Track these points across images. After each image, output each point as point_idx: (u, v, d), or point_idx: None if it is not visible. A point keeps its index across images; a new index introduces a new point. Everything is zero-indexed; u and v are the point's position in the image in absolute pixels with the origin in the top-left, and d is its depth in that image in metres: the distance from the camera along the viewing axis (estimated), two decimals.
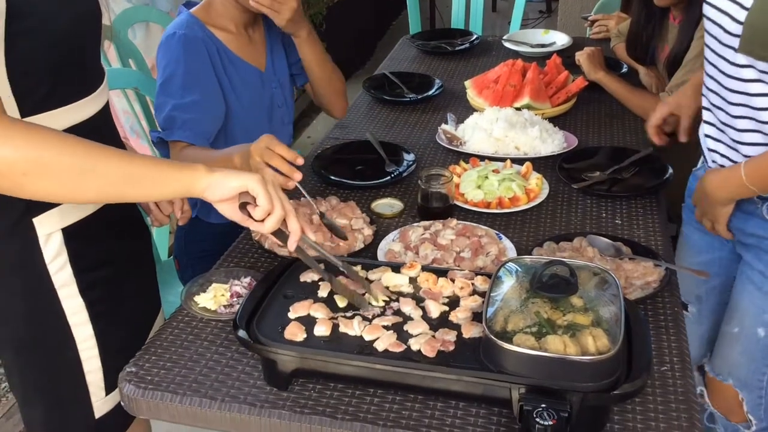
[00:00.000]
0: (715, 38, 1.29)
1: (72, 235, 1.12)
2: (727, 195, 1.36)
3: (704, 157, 1.46)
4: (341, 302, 1.14)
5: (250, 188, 1.03)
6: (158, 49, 1.63)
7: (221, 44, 1.66)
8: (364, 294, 1.15)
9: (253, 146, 1.36)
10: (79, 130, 1.05)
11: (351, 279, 1.18)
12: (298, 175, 1.34)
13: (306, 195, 1.39)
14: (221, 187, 1.02)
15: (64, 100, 1.07)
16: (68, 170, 0.94)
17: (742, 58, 1.23)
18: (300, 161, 1.35)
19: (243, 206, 1.06)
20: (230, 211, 1.06)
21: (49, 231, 1.10)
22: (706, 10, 1.29)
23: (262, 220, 1.05)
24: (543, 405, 0.94)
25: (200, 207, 1.79)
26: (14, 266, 1.11)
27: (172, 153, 1.57)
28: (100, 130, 1.12)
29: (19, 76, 1.00)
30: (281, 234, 1.10)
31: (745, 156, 1.32)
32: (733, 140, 1.34)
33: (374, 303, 1.14)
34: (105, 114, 1.17)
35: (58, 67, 1.04)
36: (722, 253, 1.49)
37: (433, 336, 1.06)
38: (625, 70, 2.25)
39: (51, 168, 0.93)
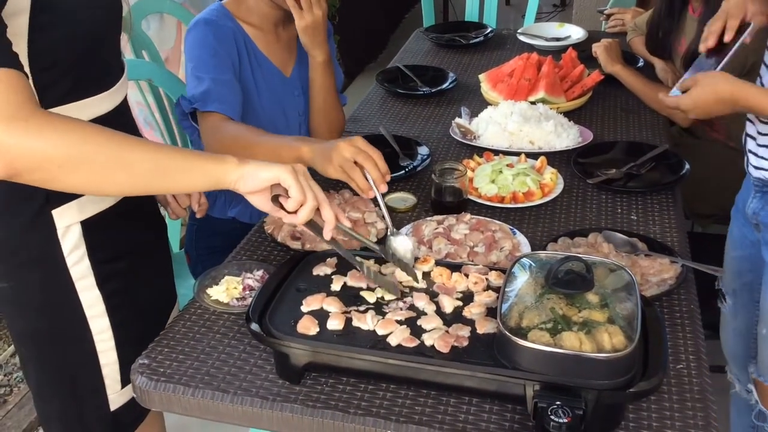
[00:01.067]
0: None
1: (90, 227, 1.12)
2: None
3: (746, 157, 1.46)
4: (375, 295, 1.13)
5: (282, 179, 1.02)
6: (187, 33, 1.62)
7: (249, 39, 1.65)
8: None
9: (345, 142, 1.32)
10: (98, 123, 1.04)
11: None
12: (384, 186, 1.32)
13: (384, 209, 1.31)
14: (253, 178, 1.02)
15: (84, 94, 1.07)
16: (103, 163, 0.94)
17: None
18: (388, 178, 1.33)
19: (275, 198, 1.06)
20: (262, 203, 1.06)
21: (67, 223, 1.10)
22: None
23: (295, 212, 1.05)
24: (558, 402, 0.93)
25: (212, 204, 1.79)
26: (33, 258, 1.11)
27: (205, 125, 1.54)
28: (118, 124, 1.10)
29: (41, 70, 1.00)
30: (315, 226, 1.09)
31: None
32: None
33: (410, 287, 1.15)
34: (124, 108, 1.17)
35: (79, 60, 1.04)
36: (753, 250, 1.48)
37: (447, 331, 1.05)
38: (641, 64, 2.22)
39: (86, 160, 0.93)
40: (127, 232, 1.19)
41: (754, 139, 1.42)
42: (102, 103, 1.10)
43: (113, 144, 0.95)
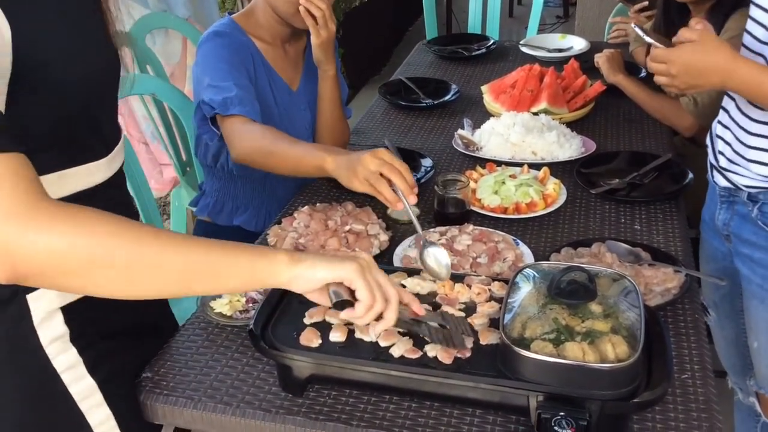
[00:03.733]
0: (757, 39, 1.26)
1: (74, 312, 0.96)
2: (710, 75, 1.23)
3: (711, 155, 1.44)
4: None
5: (346, 280, 0.90)
6: (199, 46, 1.64)
7: (258, 52, 1.67)
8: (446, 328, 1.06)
9: (370, 154, 1.27)
10: (88, 196, 0.95)
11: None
12: (414, 198, 1.27)
13: (415, 221, 1.26)
14: (308, 281, 0.90)
15: (75, 161, 0.94)
16: (127, 265, 0.80)
17: None
18: (416, 190, 1.29)
19: (339, 303, 0.93)
20: (317, 298, 0.95)
21: (47, 310, 0.94)
22: (753, 11, 1.26)
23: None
24: (561, 413, 0.92)
25: (211, 208, 1.79)
26: (3, 353, 0.94)
27: (227, 129, 1.53)
28: (112, 196, 1.01)
29: (23, 134, 0.82)
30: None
31: (752, 161, 1.30)
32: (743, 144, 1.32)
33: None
34: (119, 179, 1.04)
35: (67, 127, 0.91)
36: (726, 262, 1.47)
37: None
38: (643, 74, 2.22)
39: (107, 262, 0.79)
40: (118, 308, 0.93)
41: (722, 138, 1.38)
42: (93, 173, 0.97)
43: (140, 241, 0.80)
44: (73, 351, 0.96)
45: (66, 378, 0.96)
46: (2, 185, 0.75)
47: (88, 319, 0.97)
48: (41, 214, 0.76)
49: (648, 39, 1.33)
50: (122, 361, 1.06)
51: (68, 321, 0.96)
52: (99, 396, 0.99)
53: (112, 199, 1.01)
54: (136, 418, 1.07)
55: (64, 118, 0.91)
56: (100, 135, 0.98)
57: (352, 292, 0.92)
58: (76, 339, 0.97)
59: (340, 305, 0.92)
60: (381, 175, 1.28)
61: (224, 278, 0.87)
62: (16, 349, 0.94)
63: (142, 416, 1.09)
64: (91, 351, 0.98)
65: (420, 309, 1.00)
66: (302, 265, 0.89)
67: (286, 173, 1.50)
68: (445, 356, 1.02)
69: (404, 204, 1.27)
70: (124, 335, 1.06)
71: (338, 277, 0.90)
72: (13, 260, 0.76)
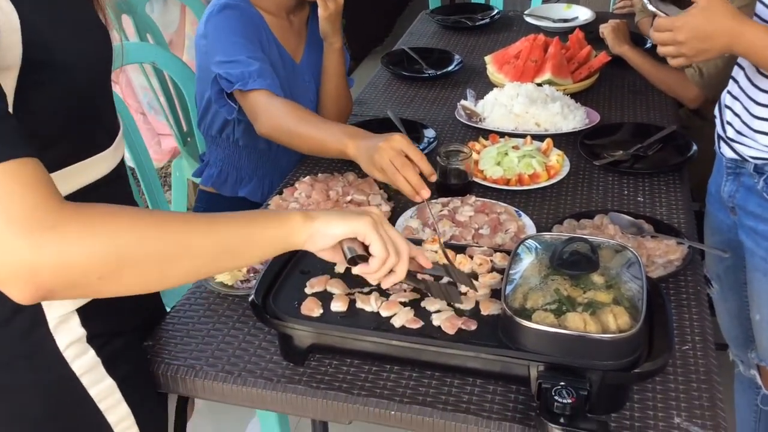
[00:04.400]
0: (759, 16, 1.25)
1: (90, 311, 0.94)
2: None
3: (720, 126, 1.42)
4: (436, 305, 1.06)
5: (360, 234, 0.90)
6: (208, 18, 1.60)
7: (264, 23, 1.65)
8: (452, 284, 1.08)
9: (385, 143, 1.26)
10: (95, 189, 0.93)
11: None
12: (426, 192, 1.25)
13: (432, 215, 1.28)
14: (324, 237, 0.89)
15: (80, 156, 0.92)
16: (155, 260, 0.77)
17: None
18: (433, 178, 1.28)
19: (353, 259, 0.93)
20: (330, 256, 0.94)
21: (62, 313, 0.92)
22: None
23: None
24: (562, 383, 0.92)
25: (215, 179, 1.79)
26: (19, 365, 0.92)
27: (250, 104, 1.51)
28: (116, 188, 0.99)
29: (32, 133, 0.80)
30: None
31: (759, 131, 1.28)
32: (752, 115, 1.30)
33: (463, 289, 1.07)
34: (122, 170, 1.02)
35: (74, 120, 0.89)
36: (730, 234, 1.46)
37: (455, 313, 1.05)
38: (649, 45, 2.19)
39: (133, 263, 0.76)
40: (127, 303, 0.90)
41: (731, 109, 1.35)
42: (98, 165, 0.94)
43: (165, 234, 0.78)
44: (92, 352, 0.95)
45: (85, 380, 0.95)
46: (19, 195, 0.70)
47: (102, 317, 0.96)
48: (66, 221, 0.72)
49: (651, 8, 1.31)
50: (137, 356, 1.06)
51: (84, 322, 0.94)
52: (118, 394, 0.98)
53: (117, 189, 1.00)
54: (152, 411, 1.07)
55: (69, 110, 0.88)
56: (101, 125, 0.96)
57: (365, 248, 0.92)
58: (92, 339, 0.95)
59: (354, 261, 0.92)
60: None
61: (248, 252, 0.86)
62: (34, 357, 0.92)
63: (157, 408, 1.09)
64: (108, 349, 0.97)
65: (427, 261, 1.00)
66: (317, 222, 0.89)
67: (308, 153, 1.52)
68: (448, 326, 1.02)
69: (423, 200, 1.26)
70: (133, 331, 1.06)
71: (353, 231, 0.90)
72: (42, 279, 0.71)
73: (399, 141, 1.27)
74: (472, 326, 1.02)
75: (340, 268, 1.15)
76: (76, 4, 0.90)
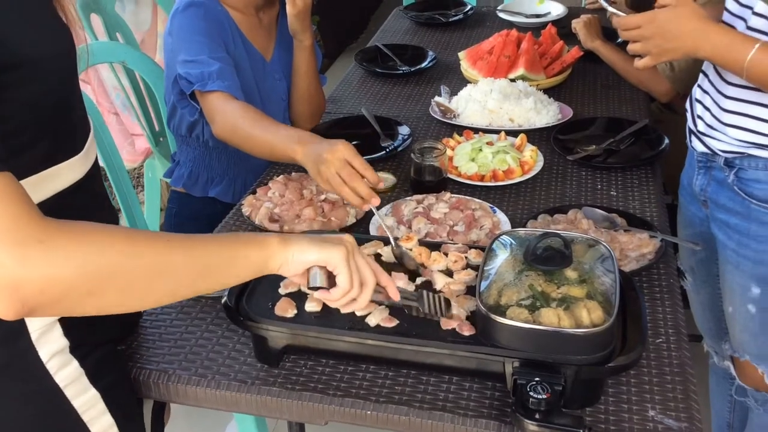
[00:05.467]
0: (738, 2, 1.25)
1: (73, 321, 0.91)
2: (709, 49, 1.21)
3: (690, 119, 1.43)
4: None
5: (331, 265, 0.90)
6: (173, 15, 1.58)
7: (233, 22, 1.63)
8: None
9: (329, 154, 1.24)
10: (69, 195, 0.91)
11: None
12: (375, 200, 1.25)
13: (383, 223, 1.26)
14: (297, 264, 0.89)
15: (51, 162, 0.88)
16: (138, 278, 0.77)
17: (758, 21, 1.20)
18: (381, 185, 1.26)
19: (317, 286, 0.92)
20: (301, 280, 0.94)
21: (44, 323, 0.90)
22: None
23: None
24: (537, 378, 0.92)
25: (186, 179, 1.76)
26: (1, 371, 0.89)
27: (207, 106, 1.49)
28: (89, 193, 0.96)
29: (6, 137, 0.79)
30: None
31: (729, 125, 1.30)
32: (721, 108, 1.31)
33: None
34: (96, 171, 0.99)
35: (41, 125, 0.86)
36: (702, 228, 1.48)
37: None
38: (621, 39, 2.20)
39: (119, 280, 0.75)
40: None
41: (701, 103, 1.37)
42: (70, 171, 0.91)
43: (147, 252, 0.77)
44: (75, 363, 0.93)
45: (69, 392, 0.92)
46: (1, 209, 0.69)
47: (85, 327, 0.92)
48: (49, 235, 0.71)
49: (609, 8, 1.33)
50: (119, 366, 1.04)
51: (67, 332, 0.92)
52: (102, 405, 0.96)
53: (91, 194, 0.97)
54: (134, 420, 1.05)
55: (36, 114, 0.85)
56: (72, 128, 0.93)
57: (331, 274, 0.92)
58: (75, 349, 0.93)
59: (315, 288, 0.92)
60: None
61: (228, 272, 0.86)
62: (16, 369, 0.90)
63: (139, 417, 1.07)
64: (91, 360, 0.95)
65: (395, 294, 0.98)
66: (292, 249, 0.88)
67: (261, 158, 1.49)
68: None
69: (373, 209, 1.26)
70: (116, 340, 1.05)
71: (325, 260, 0.90)
72: (26, 294, 0.70)
73: (343, 151, 1.25)
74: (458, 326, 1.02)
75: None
76: (34, 4, 0.88)
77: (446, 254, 1.18)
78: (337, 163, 1.24)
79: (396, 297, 0.98)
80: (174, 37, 1.57)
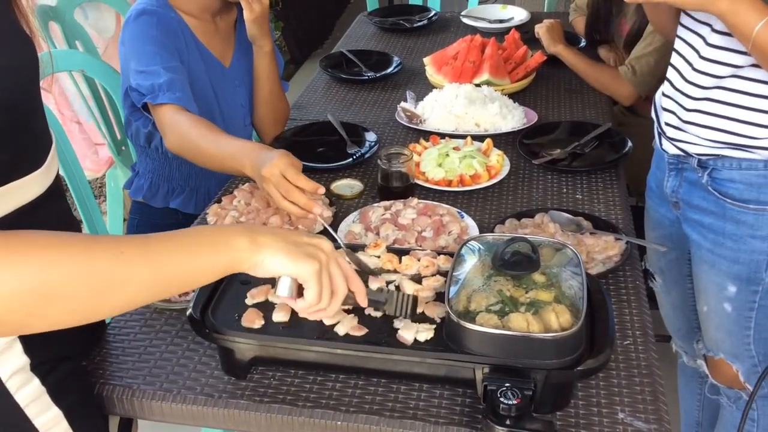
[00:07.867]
0: (690, 16, 1.27)
1: (34, 337, 0.87)
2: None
3: (656, 121, 1.44)
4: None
5: (302, 279, 0.87)
6: (125, 24, 1.55)
7: (188, 28, 1.60)
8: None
9: (267, 171, 1.23)
10: (29, 211, 0.86)
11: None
12: (318, 209, 1.24)
13: (330, 229, 1.27)
14: (267, 271, 0.85)
15: (11, 177, 0.84)
16: (86, 294, 0.72)
17: (716, 38, 1.21)
18: (321, 191, 1.25)
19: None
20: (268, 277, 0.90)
21: (4, 341, 0.86)
22: None
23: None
24: (507, 384, 0.92)
25: (146, 191, 1.73)
26: None
27: (159, 119, 1.46)
28: (51, 207, 0.92)
29: None
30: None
31: (700, 125, 1.31)
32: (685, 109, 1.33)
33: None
34: (57, 185, 0.95)
35: (4, 135, 0.81)
36: (673, 229, 1.49)
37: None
38: (583, 44, 2.24)
39: (62, 297, 0.70)
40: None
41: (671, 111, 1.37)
42: (32, 186, 0.86)
43: (102, 262, 0.72)
44: (36, 381, 0.89)
45: (30, 411, 0.89)
46: None
47: (46, 344, 0.89)
48: None
49: None
50: (82, 383, 1.01)
51: (27, 349, 0.88)
52: (65, 424, 0.92)
53: (53, 208, 0.93)
54: None
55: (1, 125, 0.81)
56: (33, 141, 0.89)
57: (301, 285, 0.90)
58: (36, 367, 0.89)
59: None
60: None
61: (193, 277, 0.81)
62: None
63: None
64: (53, 377, 0.91)
65: (363, 301, 0.97)
66: (263, 253, 0.84)
67: (213, 170, 1.45)
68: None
69: (317, 216, 1.26)
70: (79, 356, 1.02)
71: (296, 274, 0.86)
72: None
73: (278, 165, 1.23)
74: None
75: None
76: None
77: (419, 260, 1.17)
78: (274, 179, 1.23)
79: (364, 304, 0.97)
80: (126, 46, 1.53)
